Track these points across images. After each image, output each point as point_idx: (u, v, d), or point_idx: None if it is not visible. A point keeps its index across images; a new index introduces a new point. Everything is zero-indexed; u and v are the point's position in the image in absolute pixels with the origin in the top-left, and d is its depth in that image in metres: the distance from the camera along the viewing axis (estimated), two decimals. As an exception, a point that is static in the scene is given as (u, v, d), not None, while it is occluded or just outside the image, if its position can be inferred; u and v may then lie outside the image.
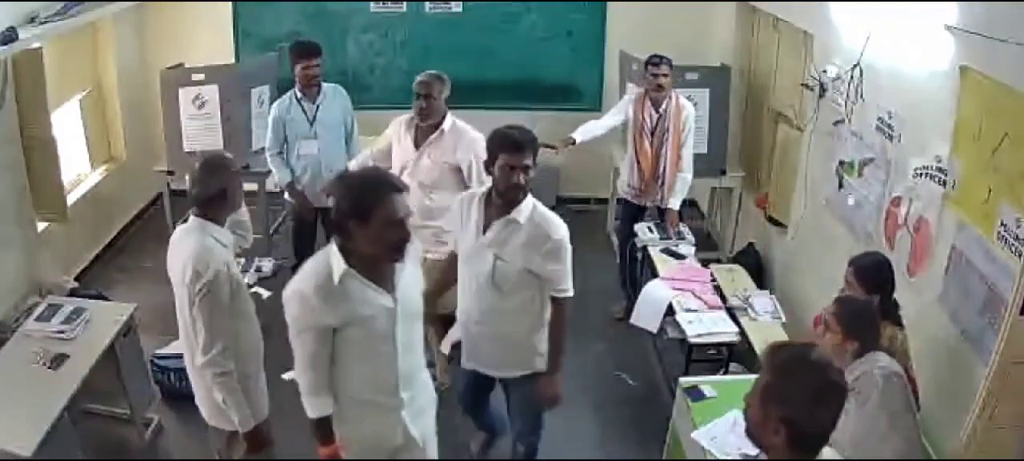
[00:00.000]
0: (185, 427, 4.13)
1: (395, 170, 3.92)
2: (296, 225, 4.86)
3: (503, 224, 2.92)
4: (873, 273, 2.98)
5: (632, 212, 5.13)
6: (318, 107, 4.61)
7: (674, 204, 4.88)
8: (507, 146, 2.85)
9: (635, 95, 4.87)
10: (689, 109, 4.78)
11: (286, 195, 4.76)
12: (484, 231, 2.97)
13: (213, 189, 2.82)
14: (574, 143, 4.82)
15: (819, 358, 1.74)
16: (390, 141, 4.13)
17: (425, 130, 3.95)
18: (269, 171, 5.80)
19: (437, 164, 3.92)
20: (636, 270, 5.10)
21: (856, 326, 2.64)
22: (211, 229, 2.83)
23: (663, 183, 4.85)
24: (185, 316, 2.79)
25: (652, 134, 4.77)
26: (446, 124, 3.94)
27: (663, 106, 4.73)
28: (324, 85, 4.63)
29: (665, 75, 4.65)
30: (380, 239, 2.30)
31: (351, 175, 2.70)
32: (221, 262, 2.76)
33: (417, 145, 3.96)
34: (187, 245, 2.77)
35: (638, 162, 4.86)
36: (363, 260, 2.36)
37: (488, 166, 2.93)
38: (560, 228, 2.93)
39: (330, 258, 2.38)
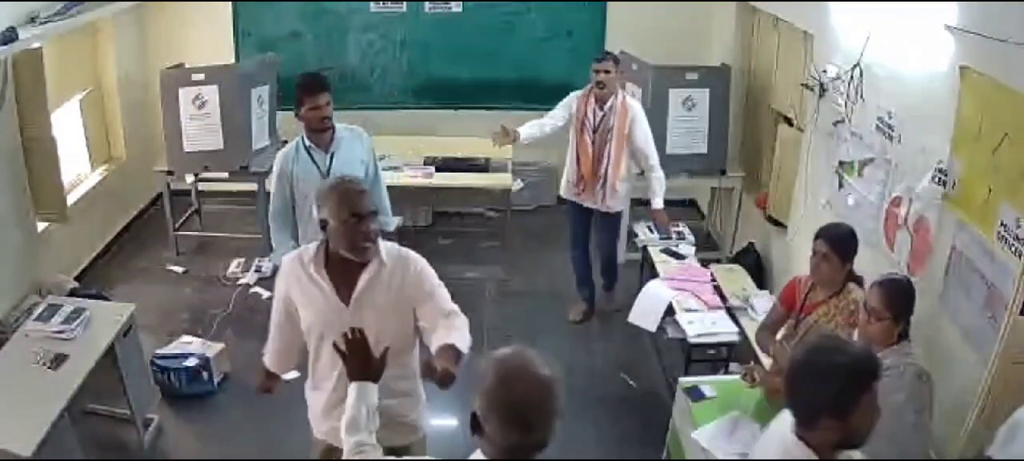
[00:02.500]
0: (185, 427, 4.14)
1: (313, 342, 2.60)
2: None
3: None
4: (848, 243, 3.06)
5: (579, 215, 4.97)
6: (333, 156, 3.67)
7: (658, 203, 4.77)
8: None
9: (581, 92, 4.73)
10: (635, 109, 4.65)
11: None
12: None
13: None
14: (518, 137, 4.72)
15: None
16: (283, 305, 2.62)
17: (353, 268, 2.49)
18: (269, 170, 5.84)
19: (387, 315, 2.51)
20: (589, 272, 5.10)
21: (905, 309, 2.63)
22: None
23: (604, 183, 4.71)
24: None
25: (594, 132, 4.65)
26: (383, 250, 2.52)
27: (607, 104, 4.61)
28: (338, 128, 3.71)
29: (607, 72, 4.52)
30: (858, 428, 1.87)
31: (828, 357, 1.89)
32: None
33: (343, 296, 2.49)
34: None
35: (577, 159, 4.75)
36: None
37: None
38: None
39: None
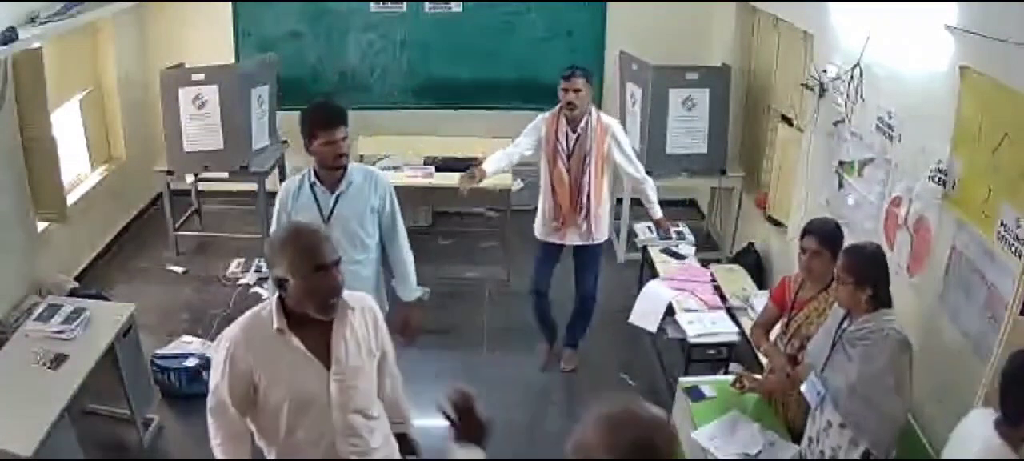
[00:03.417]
0: (185, 427, 4.14)
1: (285, 418, 2.27)
2: None
3: None
4: (837, 237, 3.10)
5: (549, 255, 4.45)
6: (338, 198, 3.28)
7: (657, 212, 4.42)
8: None
9: (548, 115, 4.24)
10: (613, 126, 4.23)
11: None
12: None
13: None
14: (485, 176, 4.19)
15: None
16: (237, 388, 2.25)
17: (322, 323, 2.25)
18: (269, 171, 5.87)
19: (367, 366, 2.36)
20: (549, 313, 4.64)
21: (867, 272, 2.70)
22: None
23: (587, 214, 4.21)
24: None
25: (569, 158, 4.15)
26: (346, 294, 2.29)
27: (581, 125, 4.11)
28: (353, 168, 3.32)
29: (578, 91, 4.03)
30: None
31: None
32: None
33: (321, 358, 2.25)
34: None
35: (553, 190, 4.23)
36: None
37: None
38: None
39: None
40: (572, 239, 4.33)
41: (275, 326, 2.19)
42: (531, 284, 4.56)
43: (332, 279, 2.16)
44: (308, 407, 2.25)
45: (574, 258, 4.46)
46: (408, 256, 3.49)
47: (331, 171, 3.25)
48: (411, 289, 3.52)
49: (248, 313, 2.30)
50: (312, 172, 3.29)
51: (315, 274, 2.13)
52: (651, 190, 4.38)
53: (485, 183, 4.98)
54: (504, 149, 4.32)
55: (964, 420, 2.34)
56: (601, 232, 4.35)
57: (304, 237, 2.18)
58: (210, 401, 2.32)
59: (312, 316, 2.20)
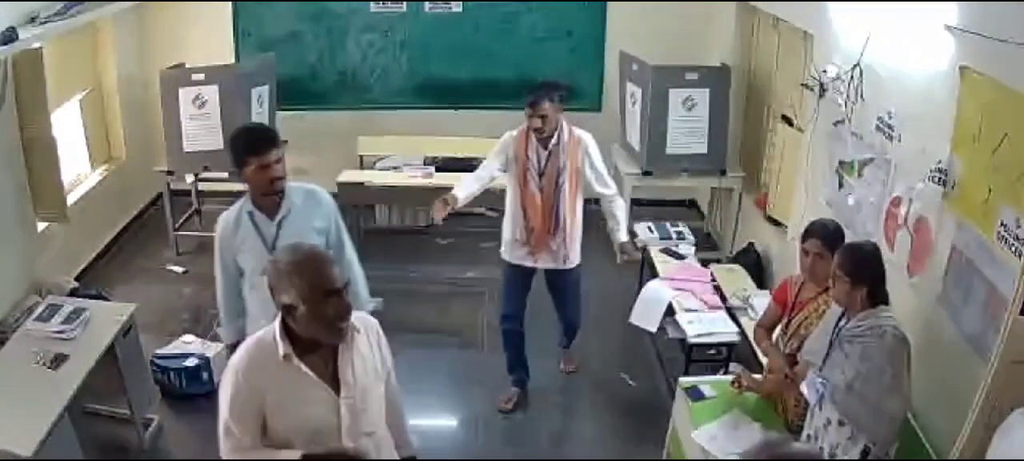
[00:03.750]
0: (185, 427, 4.14)
1: (300, 446, 2.19)
2: None
3: None
4: (839, 239, 3.10)
5: (521, 279, 4.19)
6: (281, 225, 3.02)
7: (623, 235, 4.08)
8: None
9: (516, 132, 4.01)
10: (586, 139, 3.99)
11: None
12: None
13: None
14: (457, 203, 3.96)
15: None
16: (249, 417, 2.18)
17: (326, 347, 2.23)
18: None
19: (375, 386, 2.32)
20: (523, 346, 4.34)
21: (863, 271, 2.71)
22: None
23: (563, 236, 4.01)
24: None
25: (540, 176, 3.94)
26: (353, 317, 2.23)
27: (553, 141, 3.90)
28: (291, 189, 3.06)
29: (544, 115, 3.78)
30: None
31: None
32: None
33: (329, 384, 2.19)
34: None
35: (524, 211, 4.00)
36: None
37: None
38: None
39: None
40: (545, 262, 4.12)
41: (281, 353, 2.12)
42: (503, 310, 4.25)
43: (342, 303, 2.11)
44: (318, 433, 2.20)
45: (549, 285, 4.27)
46: (358, 271, 3.29)
47: (269, 197, 3.00)
48: (364, 303, 3.27)
49: (249, 340, 2.24)
50: (249, 200, 3.04)
51: (326, 300, 2.08)
52: (620, 211, 4.12)
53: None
54: (474, 173, 4.11)
55: (1008, 420, 2.33)
56: (576, 253, 4.15)
57: (313, 263, 2.11)
58: (224, 446, 2.21)
59: (319, 341, 2.16)
